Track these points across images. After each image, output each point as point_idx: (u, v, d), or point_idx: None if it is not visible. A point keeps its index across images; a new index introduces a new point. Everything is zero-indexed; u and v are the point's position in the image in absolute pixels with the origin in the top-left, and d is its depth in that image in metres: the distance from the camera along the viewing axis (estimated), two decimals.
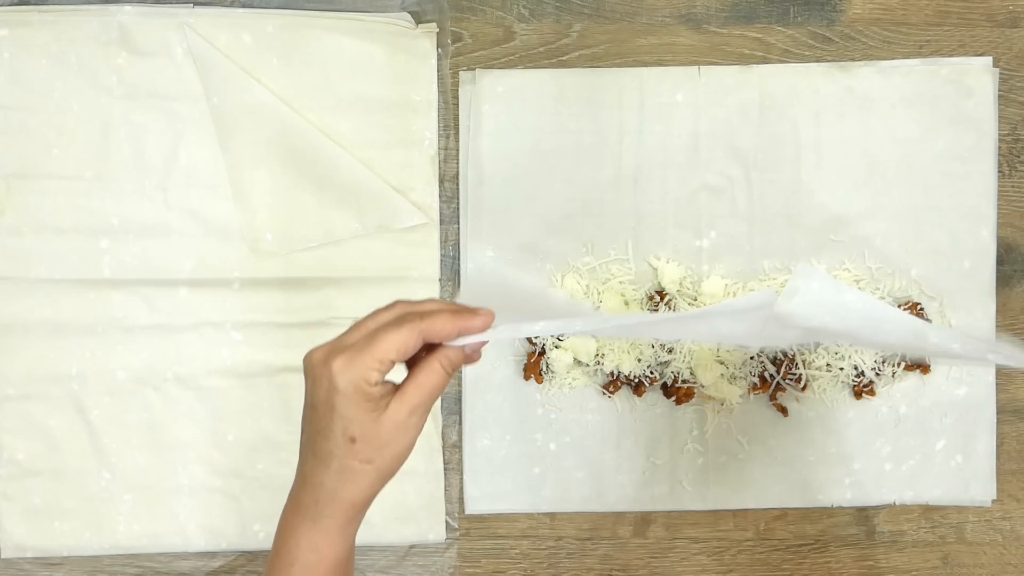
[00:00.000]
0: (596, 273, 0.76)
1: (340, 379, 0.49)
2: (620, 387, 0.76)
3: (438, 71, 0.77)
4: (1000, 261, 0.76)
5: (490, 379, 0.76)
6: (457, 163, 0.77)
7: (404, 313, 0.51)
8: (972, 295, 0.76)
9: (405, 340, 0.49)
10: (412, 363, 0.52)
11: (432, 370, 0.51)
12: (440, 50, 0.77)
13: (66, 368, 0.76)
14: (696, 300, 0.75)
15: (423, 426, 0.52)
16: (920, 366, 0.75)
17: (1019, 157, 0.77)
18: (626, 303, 0.75)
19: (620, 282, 0.75)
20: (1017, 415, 0.76)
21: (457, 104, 0.77)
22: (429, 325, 0.50)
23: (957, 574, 0.76)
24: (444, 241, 0.77)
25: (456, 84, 0.77)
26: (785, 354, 0.75)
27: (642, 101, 0.76)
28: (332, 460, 0.51)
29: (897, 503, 0.76)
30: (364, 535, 0.75)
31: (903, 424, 0.76)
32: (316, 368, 0.51)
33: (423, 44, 0.76)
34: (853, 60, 0.77)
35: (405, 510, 0.76)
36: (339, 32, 0.76)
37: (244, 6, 0.76)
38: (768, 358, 0.75)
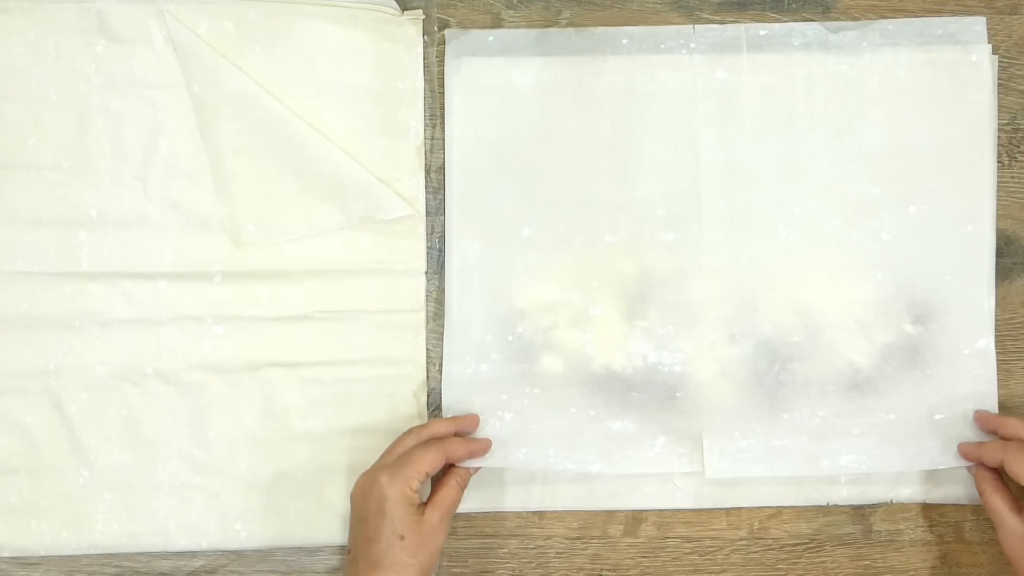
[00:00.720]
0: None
1: (389, 490, 0.64)
2: None
3: (424, 59, 0.75)
4: (999, 254, 0.74)
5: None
6: (443, 153, 0.75)
7: (427, 437, 0.68)
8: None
9: (433, 459, 0.66)
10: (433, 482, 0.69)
11: (451, 486, 0.68)
12: (426, 37, 0.75)
13: (43, 363, 0.74)
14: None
15: (448, 532, 0.67)
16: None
17: (1019, 147, 0.75)
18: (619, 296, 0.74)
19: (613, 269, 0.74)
20: (1018, 411, 0.74)
21: (443, 92, 0.75)
22: (447, 447, 0.67)
23: (956, 574, 0.74)
24: (430, 233, 0.75)
25: (442, 72, 0.75)
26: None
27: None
28: (384, 559, 0.63)
29: (894, 501, 0.74)
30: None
31: None
32: (364, 487, 0.65)
33: (409, 31, 0.75)
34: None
35: None
36: (323, 19, 0.74)
37: None
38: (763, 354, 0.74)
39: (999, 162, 0.74)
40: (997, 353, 0.74)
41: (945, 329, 0.73)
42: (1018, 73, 0.75)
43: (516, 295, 0.74)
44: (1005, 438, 0.70)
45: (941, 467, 0.72)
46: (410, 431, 0.69)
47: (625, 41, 0.74)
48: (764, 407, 0.73)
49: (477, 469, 0.72)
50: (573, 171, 0.74)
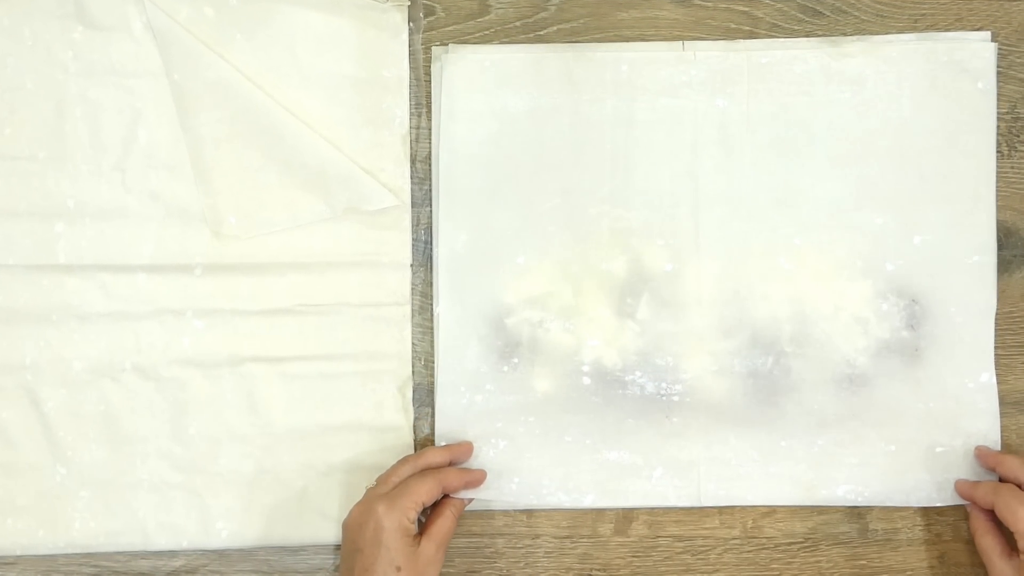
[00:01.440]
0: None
1: (386, 519, 0.63)
2: None
3: (409, 46, 0.73)
4: (999, 246, 0.73)
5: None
6: (430, 143, 0.73)
7: (423, 467, 0.68)
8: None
9: (431, 489, 0.65)
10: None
11: (446, 517, 0.67)
12: (411, 24, 0.73)
13: (19, 358, 0.72)
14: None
15: (443, 563, 0.66)
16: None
17: (1019, 136, 0.73)
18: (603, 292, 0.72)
19: (600, 269, 0.72)
20: (1017, 407, 0.73)
21: (429, 81, 0.73)
22: (444, 477, 0.67)
23: (955, 573, 0.72)
24: (416, 224, 0.74)
25: (428, 60, 0.73)
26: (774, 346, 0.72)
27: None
28: None
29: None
30: (334, 532, 0.72)
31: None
32: (360, 516, 0.64)
33: (393, 18, 0.73)
34: (844, 35, 0.73)
35: None
36: (306, 6, 0.73)
37: None
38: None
39: (998, 152, 0.73)
40: (996, 348, 0.72)
41: (949, 362, 0.72)
42: (1018, 61, 0.73)
43: (508, 324, 0.72)
44: (1002, 477, 0.69)
45: (938, 504, 0.71)
46: (405, 460, 0.68)
47: (624, 67, 0.72)
48: (763, 434, 0.72)
49: (471, 499, 0.71)
50: (570, 199, 0.72)
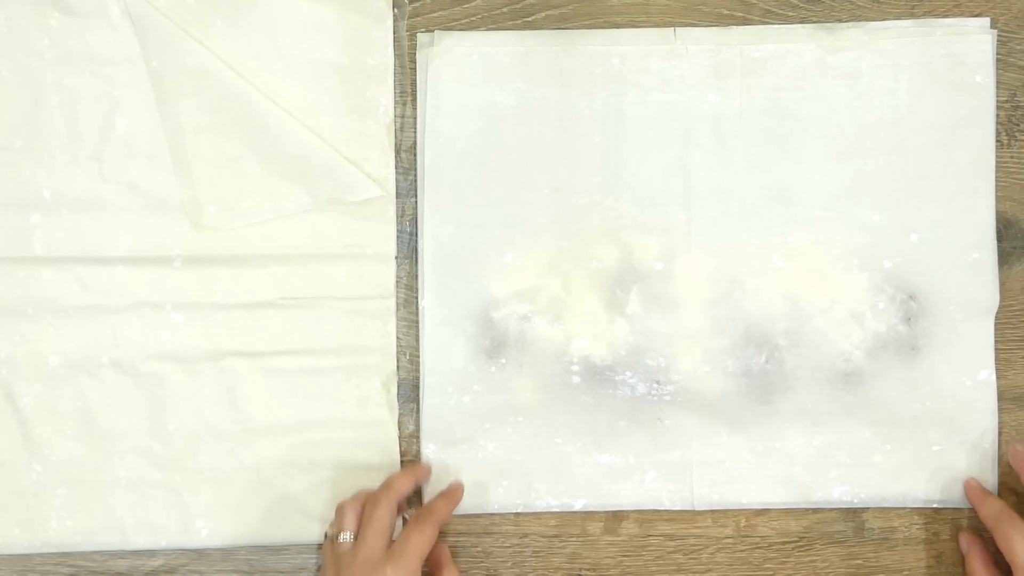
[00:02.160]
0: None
1: None
2: None
3: (394, 33, 0.72)
4: (998, 237, 0.71)
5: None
6: (415, 132, 0.72)
7: (396, 500, 0.66)
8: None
9: (431, 537, 0.64)
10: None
11: (450, 570, 0.67)
12: (396, 10, 0.72)
13: None
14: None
15: None
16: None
17: (1018, 125, 0.72)
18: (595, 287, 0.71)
19: (592, 264, 0.71)
20: (1016, 403, 0.71)
21: (414, 68, 0.72)
22: (438, 516, 0.66)
23: (953, 573, 0.71)
24: (401, 216, 0.72)
25: (413, 47, 0.72)
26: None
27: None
28: None
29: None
30: (317, 530, 0.70)
31: None
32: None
33: (378, 4, 0.71)
34: (840, 21, 0.72)
35: None
36: None
37: None
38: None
39: (998, 141, 0.71)
40: (996, 342, 0.70)
41: (948, 359, 0.70)
42: (1018, 48, 0.72)
43: (495, 318, 0.71)
44: (982, 519, 0.67)
45: (936, 505, 0.70)
46: (377, 502, 0.65)
47: (615, 61, 0.71)
48: (757, 434, 0.70)
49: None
50: (559, 193, 0.71)
